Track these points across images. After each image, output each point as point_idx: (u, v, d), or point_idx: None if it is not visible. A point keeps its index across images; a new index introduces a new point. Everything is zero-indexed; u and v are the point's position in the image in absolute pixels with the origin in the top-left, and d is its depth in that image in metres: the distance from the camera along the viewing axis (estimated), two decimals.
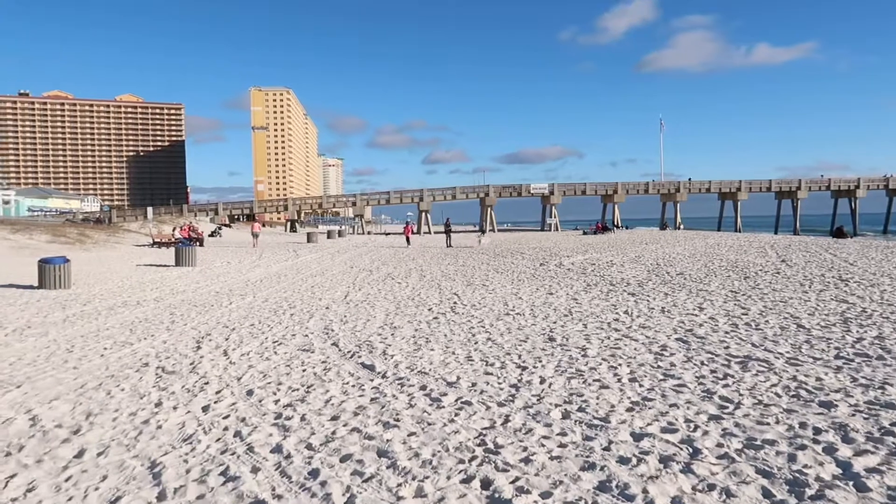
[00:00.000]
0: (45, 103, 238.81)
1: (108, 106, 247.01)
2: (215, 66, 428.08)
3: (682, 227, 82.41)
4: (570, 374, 7.22)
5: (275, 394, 6.62)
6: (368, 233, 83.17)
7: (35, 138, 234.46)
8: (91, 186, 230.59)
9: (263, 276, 21.17)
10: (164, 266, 25.75)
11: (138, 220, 64.17)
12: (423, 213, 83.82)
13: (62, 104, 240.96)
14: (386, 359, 8.23)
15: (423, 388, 6.75)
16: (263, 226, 60.94)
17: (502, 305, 13.39)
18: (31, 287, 18.26)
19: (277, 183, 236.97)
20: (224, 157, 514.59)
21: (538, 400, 6.19)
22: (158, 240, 39.79)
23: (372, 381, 7.10)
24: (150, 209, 56.84)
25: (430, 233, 78.34)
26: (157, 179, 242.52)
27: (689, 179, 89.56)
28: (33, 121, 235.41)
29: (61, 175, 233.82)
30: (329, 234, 56.20)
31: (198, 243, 41.12)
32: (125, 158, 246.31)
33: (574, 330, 10.19)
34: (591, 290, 15.90)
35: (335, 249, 38.97)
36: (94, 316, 12.73)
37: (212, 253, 35.01)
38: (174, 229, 42.60)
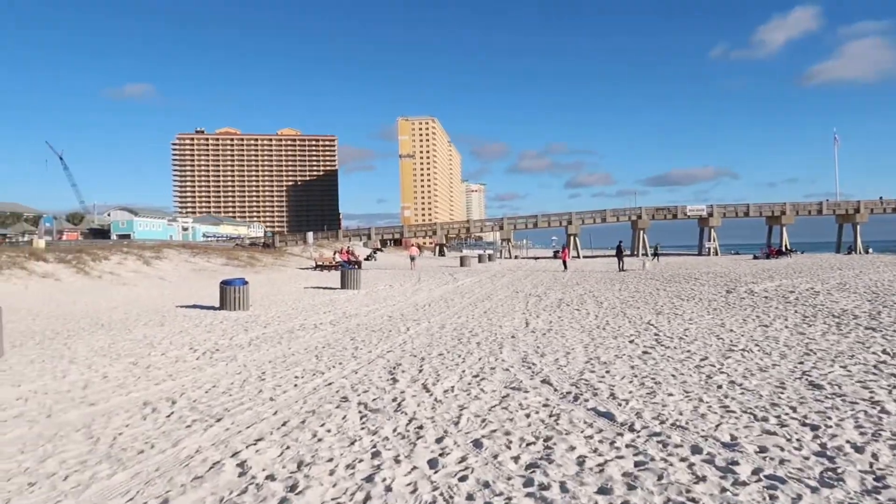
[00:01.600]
0: (217, 139, 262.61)
1: (270, 140, 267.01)
2: (366, 99, 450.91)
3: (870, 250, 73.49)
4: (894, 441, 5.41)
5: (508, 447, 5.42)
6: (516, 257, 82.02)
7: (208, 170, 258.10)
8: (255, 213, 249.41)
9: (429, 300, 20.49)
10: (330, 289, 25.98)
11: (298, 245, 67.43)
12: (572, 237, 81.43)
13: (231, 139, 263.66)
14: (620, 404, 6.80)
15: (696, 450, 5.25)
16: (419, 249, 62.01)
17: (715, 339, 11.50)
18: (213, 308, 18.75)
19: (423, 208, 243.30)
20: (373, 185, 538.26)
21: (877, 481, 4.50)
22: (320, 263, 40.98)
23: (620, 435, 5.71)
24: (310, 234, 59.40)
25: (578, 257, 75.80)
26: (313, 206, 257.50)
27: (881, 198, 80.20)
28: (207, 155, 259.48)
29: (229, 203, 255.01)
30: (480, 258, 55.70)
31: (357, 266, 41.94)
32: (285, 187, 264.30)
33: (837, 374, 8.20)
34: (814, 322, 13.50)
35: (490, 273, 38.09)
36: (276, 339, 12.39)
37: (372, 276, 35.33)
38: (334, 253, 43.84)
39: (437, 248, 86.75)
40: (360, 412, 6.72)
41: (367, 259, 54.55)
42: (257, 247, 59.06)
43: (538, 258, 72.81)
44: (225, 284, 18.28)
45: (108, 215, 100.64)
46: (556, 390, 7.54)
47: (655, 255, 49.64)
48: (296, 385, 8.17)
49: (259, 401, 7.32)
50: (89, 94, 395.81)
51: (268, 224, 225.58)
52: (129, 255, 32.07)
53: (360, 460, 5.15)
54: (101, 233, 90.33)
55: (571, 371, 8.68)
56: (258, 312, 17.48)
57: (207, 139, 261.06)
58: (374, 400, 7.25)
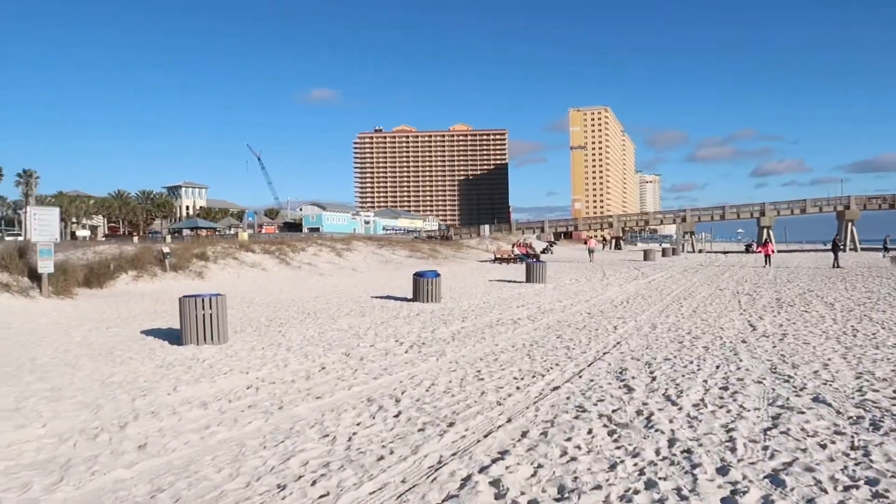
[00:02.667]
0: (394, 137, 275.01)
1: (443, 136, 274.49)
2: (536, 92, 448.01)
3: None
4: None
5: (821, 488, 4.31)
6: (700, 250, 76.75)
7: (386, 167, 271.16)
8: (429, 207, 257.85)
9: (625, 297, 19.17)
10: (515, 282, 25.45)
11: (473, 238, 68.19)
12: (765, 230, 74.56)
13: (407, 136, 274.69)
14: None
15: None
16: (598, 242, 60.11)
17: None
18: (406, 299, 18.90)
19: (594, 201, 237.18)
20: (542, 178, 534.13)
21: None
22: (499, 256, 40.77)
23: None
24: (486, 227, 59.68)
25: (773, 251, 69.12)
26: (483, 200, 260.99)
27: None
28: (384, 152, 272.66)
29: (405, 198, 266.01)
30: (664, 252, 52.64)
31: (535, 259, 41.23)
32: (456, 181, 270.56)
33: None
34: None
35: (679, 268, 35.55)
36: (478, 334, 11.93)
37: (553, 269, 34.38)
38: (512, 246, 43.52)
39: (614, 241, 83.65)
40: (605, 426, 5.90)
41: (543, 252, 53.67)
42: (436, 240, 60.43)
43: (727, 252, 67.43)
44: (418, 276, 18.33)
45: (300, 210, 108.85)
46: (838, 412, 6.20)
47: (885, 248, 43.61)
48: (518, 388, 7.54)
49: (486, 404, 6.76)
50: (283, 98, 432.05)
51: (440, 217, 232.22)
52: (323, 247, 33.87)
53: (635, 491, 4.32)
54: (294, 226, 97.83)
55: (845, 388, 7.21)
56: (451, 305, 17.30)
57: (385, 137, 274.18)
58: (615, 411, 6.39)
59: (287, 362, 9.38)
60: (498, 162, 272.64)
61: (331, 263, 31.58)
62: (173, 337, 12.00)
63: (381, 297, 19.50)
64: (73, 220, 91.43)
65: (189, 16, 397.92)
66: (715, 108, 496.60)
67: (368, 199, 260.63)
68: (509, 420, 6.13)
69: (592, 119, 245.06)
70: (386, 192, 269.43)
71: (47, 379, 8.51)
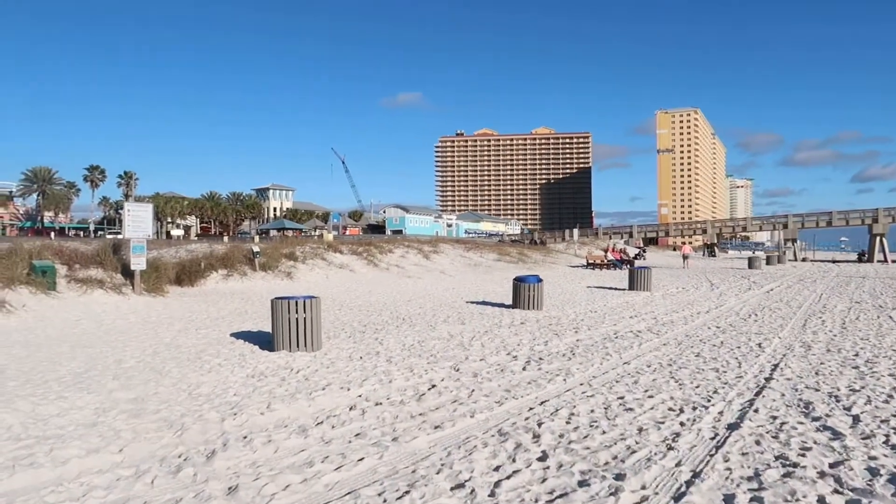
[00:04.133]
0: (475, 140, 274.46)
1: (524, 139, 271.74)
2: (622, 94, 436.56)
3: None
4: None
5: None
6: (804, 259, 71.66)
7: (467, 170, 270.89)
8: (510, 211, 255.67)
9: (750, 309, 17.09)
10: (615, 289, 23.63)
11: (558, 242, 66.12)
12: (878, 238, 68.76)
13: (488, 140, 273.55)
14: None
15: None
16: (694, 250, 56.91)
17: None
18: (503, 305, 17.55)
19: (682, 206, 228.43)
20: (627, 182, 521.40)
21: None
22: (591, 261, 38.82)
23: None
24: (575, 231, 57.51)
25: (885, 261, 63.58)
26: (565, 204, 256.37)
27: None
28: (466, 155, 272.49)
29: (485, 201, 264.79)
30: (768, 260, 49.14)
31: (627, 265, 39.03)
32: (538, 185, 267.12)
33: None
34: None
35: (795, 277, 32.55)
36: (598, 349, 10.42)
37: (652, 276, 32.16)
38: (606, 251, 41.43)
39: (707, 247, 79.40)
40: (836, 491, 4.34)
41: (635, 258, 51.14)
42: (522, 243, 58.76)
43: (836, 261, 62.46)
44: (519, 281, 16.93)
45: (384, 212, 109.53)
46: None
47: None
48: (682, 423, 6.03)
49: (651, 447, 5.30)
50: (371, 102, 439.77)
51: (521, 221, 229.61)
52: (410, 249, 32.99)
53: None
54: (377, 228, 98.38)
55: None
56: (555, 313, 15.81)
57: (466, 140, 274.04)
58: (834, 466, 4.80)
59: (391, 377, 8.20)
60: (581, 166, 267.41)
61: (418, 266, 30.61)
62: (264, 341, 11.11)
63: (477, 303, 18.22)
64: (169, 219, 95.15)
65: (281, 23, 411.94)
66: (814, 109, 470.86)
67: (449, 203, 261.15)
68: (696, 475, 4.66)
69: (681, 121, 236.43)
70: (467, 195, 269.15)
71: (131, 387, 7.65)
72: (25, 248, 17.40)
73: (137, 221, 17.82)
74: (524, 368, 8.81)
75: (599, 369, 8.79)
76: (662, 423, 6.05)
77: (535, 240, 65.68)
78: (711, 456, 5.07)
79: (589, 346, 10.84)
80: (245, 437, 5.60)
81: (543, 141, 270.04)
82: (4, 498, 4.32)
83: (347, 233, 79.22)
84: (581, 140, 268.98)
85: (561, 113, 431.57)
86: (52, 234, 68.05)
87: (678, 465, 4.88)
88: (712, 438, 5.56)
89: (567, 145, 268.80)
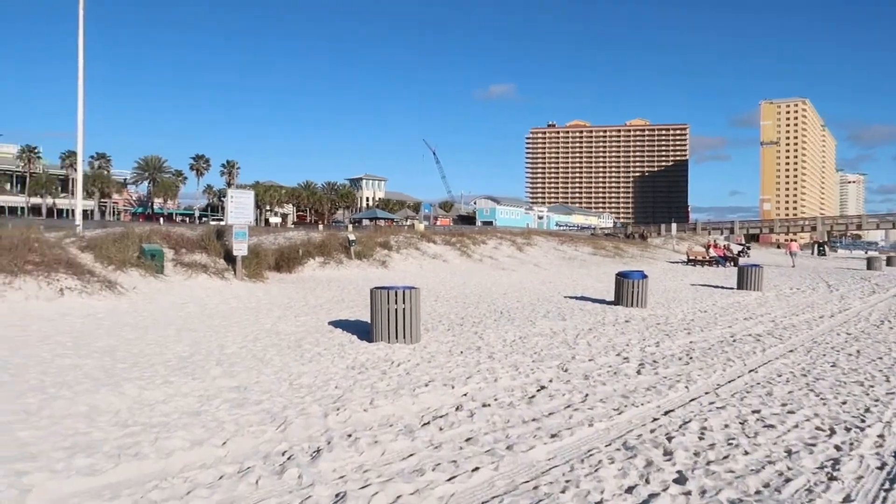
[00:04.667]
0: (567, 132, 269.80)
1: (618, 131, 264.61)
2: (722, 84, 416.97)
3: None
4: None
5: None
6: None
7: (558, 162, 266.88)
8: (601, 204, 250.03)
9: (877, 314, 15.49)
10: (724, 288, 22.22)
11: (654, 237, 63.64)
12: None
13: (581, 132, 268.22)
14: None
15: None
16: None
17: None
18: (604, 301, 16.75)
19: (786, 201, 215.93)
20: (725, 176, 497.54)
21: None
22: (692, 257, 37.00)
23: None
24: (673, 226, 55.16)
25: None
26: (659, 198, 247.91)
27: None
28: (557, 147, 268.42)
29: (576, 194, 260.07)
30: (889, 261, 45.35)
31: (731, 263, 36.91)
32: (631, 178, 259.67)
33: None
34: None
35: None
36: (718, 354, 9.55)
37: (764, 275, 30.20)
38: (707, 247, 39.36)
39: (816, 245, 74.49)
40: None
41: (738, 255, 48.45)
42: (617, 237, 56.99)
43: None
44: (622, 277, 16.07)
45: (474, 203, 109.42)
46: None
47: None
48: (837, 447, 5.23)
49: (808, 475, 4.56)
50: (464, 94, 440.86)
51: (613, 215, 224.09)
52: (503, 241, 32.45)
53: None
54: (467, 219, 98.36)
55: None
56: (660, 311, 14.89)
57: (558, 132, 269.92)
58: None
59: (496, 375, 7.74)
60: (677, 158, 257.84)
61: (512, 258, 30.03)
62: (362, 331, 10.92)
63: (576, 298, 17.49)
64: (267, 207, 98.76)
65: (377, 15, 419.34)
66: None
67: (539, 194, 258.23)
68: None
69: (787, 112, 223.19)
70: (557, 187, 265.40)
71: (234, 374, 7.56)
72: (136, 233, 18.12)
73: (240, 208, 18.19)
74: (639, 372, 8.13)
75: (723, 376, 7.99)
76: (814, 445, 5.28)
77: (633, 234, 63.49)
78: (886, 491, 4.30)
79: (705, 349, 9.99)
80: (350, 436, 5.29)
81: (638, 133, 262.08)
82: (109, 490, 4.16)
83: (438, 223, 79.57)
84: (678, 132, 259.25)
85: (657, 104, 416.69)
86: (161, 219, 72.02)
87: (847, 501, 4.15)
88: (880, 468, 4.77)
89: (663, 137, 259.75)
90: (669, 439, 5.31)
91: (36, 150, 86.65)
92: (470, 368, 8.14)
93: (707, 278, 26.83)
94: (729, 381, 7.68)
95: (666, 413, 6.20)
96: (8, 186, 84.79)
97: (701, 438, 5.37)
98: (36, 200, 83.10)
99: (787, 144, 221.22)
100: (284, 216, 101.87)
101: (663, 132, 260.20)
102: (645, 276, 16.07)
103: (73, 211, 33.02)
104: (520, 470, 4.59)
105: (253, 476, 4.36)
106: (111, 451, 4.79)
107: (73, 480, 4.26)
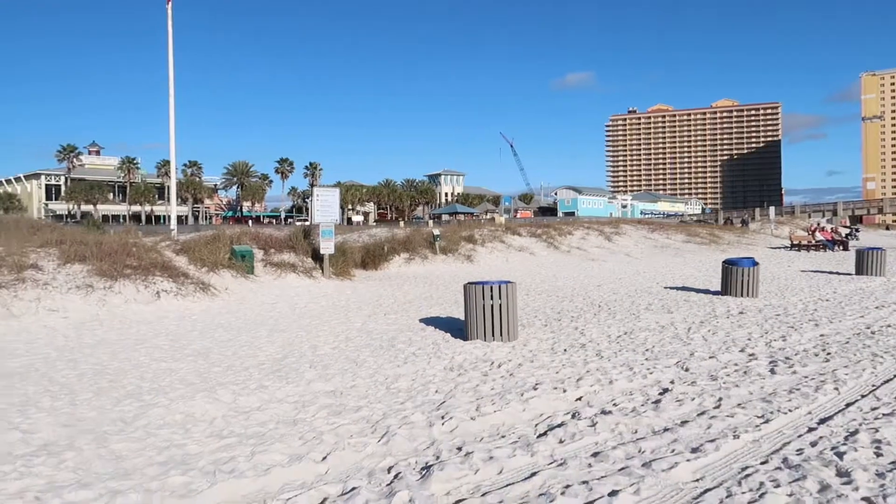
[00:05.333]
0: (648, 117, 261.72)
1: (704, 113, 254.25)
2: (816, 59, 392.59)
3: None
4: None
5: None
6: None
7: (640, 148, 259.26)
8: (686, 190, 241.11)
9: None
10: (839, 274, 20.41)
11: (749, 222, 60.19)
12: None
13: (663, 116, 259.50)
14: None
15: None
16: None
17: None
18: (708, 291, 15.59)
19: (893, 179, 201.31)
20: (822, 156, 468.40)
21: None
22: (796, 242, 34.62)
23: None
24: (771, 209, 51.93)
25: None
26: (750, 181, 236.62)
27: None
28: (638, 134, 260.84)
29: (660, 180, 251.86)
30: None
31: (840, 247, 34.27)
32: (718, 162, 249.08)
33: None
34: None
35: None
36: (860, 350, 8.42)
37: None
38: (811, 231, 36.71)
39: None
40: None
41: (847, 238, 45.10)
42: (709, 224, 54.33)
43: None
44: (730, 265, 14.87)
45: (555, 194, 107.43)
46: None
47: None
48: None
49: None
50: (540, 85, 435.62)
51: (700, 200, 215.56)
52: (590, 231, 31.31)
53: None
54: (548, 210, 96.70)
55: None
56: (775, 301, 13.63)
57: (639, 118, 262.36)
58: None
59: (609, 376, 7.01)
60: (768, 139, 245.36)
61: (600, 248, 28.88)
62: (455, 328, 10.40)
63: (677, 289, 16.38)
64: (349, 206, 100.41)
65: (453, 9, 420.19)
66: None
67: (621, 183, 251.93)
68: None
69: (892, 84, 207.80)
70: (640, 174, 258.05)
71: (328, 377, 7.18)
72: (227, 235, 18.33)
73: (325, 206, 18.08)
74: (772, 371, 7.19)
75: (875, 375, 6.95)
76: None
77: (728, 219, 60.38)
78: None
79: (842, 343, 8.87)
80: (460, 450, 4.73)
81: (725, 114, 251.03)
82: None
83: (518, 216, 78.47)
84: (769, 111, 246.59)
85: (746, 83, 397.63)
86: (250, 221, 74.40)
87: None
88: None
89: (752, 117, 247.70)
90: (840, 455, 4.46)
91: (135, 161, 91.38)
92: (578, 369, 7.45)
93: (817, 264, 24.86)
94: (885, 382, 6.65)
95: (822, 422, 5.31)
96: (111, 196, 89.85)
97: (878, 454, 4.49)
98: (136, 208, 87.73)
99: (893, 118, 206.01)
100: (366, 214, 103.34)
101: (753, 112, 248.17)
102: (756, 264, 14.81)
103: (169, 217, 34.30)
104: (666, 496, 3.89)
105: (359, 499, 3.87)
106: (207, 467, 4.43)
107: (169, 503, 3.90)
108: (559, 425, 5.29)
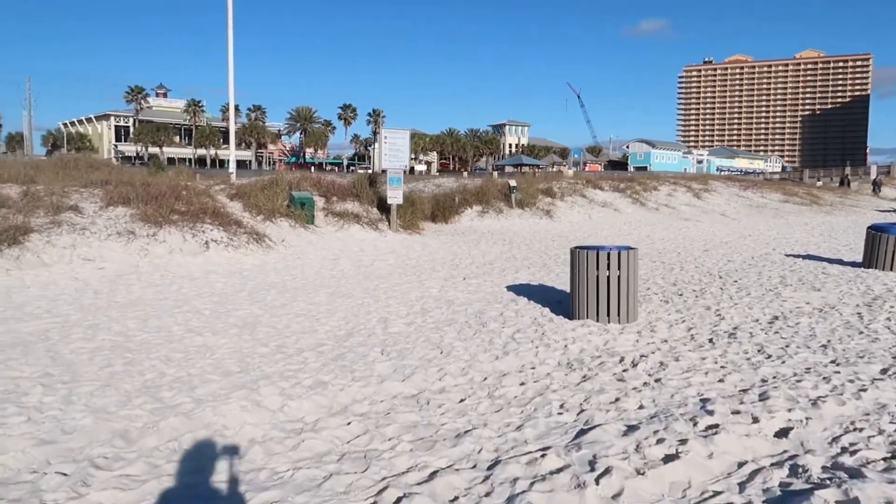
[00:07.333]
0: (725, 68, 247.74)
1: (786, 65, 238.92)
2: None
3: None
4: None
5: None
6: None
7: (714, 101, 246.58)
8: (762, 146, 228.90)
9: None
10: None
11: (839, 183, 55.37)
12: None
13: (741, 68, 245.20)
14: None
15: None
16: None
17: None
18: (841, 262, 13.07)
19: None
20: None
21: None
22: None
23: None
24: (874, 167, 47.37)
25: None
26: (832, 139, 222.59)
27: None
28: (713, 86, 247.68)
29: (734, 136, 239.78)
30: None
31: None
32: (799, 118, 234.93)
33: None
34: None
35: None
36: None
37: None
38: None
39: None
40: None
41: None
42: (794, 181, 50.07)
43: None
44: (877, 231, 12.29)
45: (626, 147, 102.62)
46: None
47: None
48: None
49: None
50: (611, 33, 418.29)
51: (780, 158, 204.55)
52: (678, 186, 28.52)
53: None
54: (619, 164, 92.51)
55: None
56: None
57: (715, 69, 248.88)
58: None
59: (802, 391, 4.92)
60: (856, 94, 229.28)
61: (690, 206, 26.16)
62: (552, 301, 8.48)
63: (801, 257, 13.90)
64: (412, 155, 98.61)
65: None
66: None
67: (692, 137, 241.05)
68: None
69: None
70: (713, 129, 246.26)
71: (407, 372, 5.36)
72: (286, 179, 16.73)
73: (394, 150, 16.13)
74: None
75: None
76: None
77: (817, 177, 55.64)
78: None
79: None
80: None
81: (809, 66, 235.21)
82: None
83: (587, 169, 74.92)
84: (858, 63, 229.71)
85: (833, 34, 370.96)
86: (312, 168, 73.50)
87: None
88: None
89: (839, 70, 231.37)
90: None
91: (200, 104, 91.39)
92: (747, 375, 5.39)
93: None
94: None
95: None
96: (177, 139, 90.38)
97: None
98: (201, 151, 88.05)
99: None
100: (428, 164, 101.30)
101: (840, 64, 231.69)
102: None
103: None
104: None
105: None
106: None
107: None
108: (787, 493, 3.29)
